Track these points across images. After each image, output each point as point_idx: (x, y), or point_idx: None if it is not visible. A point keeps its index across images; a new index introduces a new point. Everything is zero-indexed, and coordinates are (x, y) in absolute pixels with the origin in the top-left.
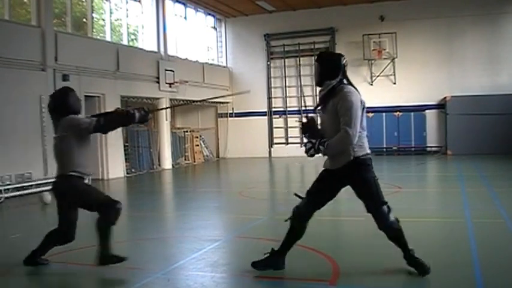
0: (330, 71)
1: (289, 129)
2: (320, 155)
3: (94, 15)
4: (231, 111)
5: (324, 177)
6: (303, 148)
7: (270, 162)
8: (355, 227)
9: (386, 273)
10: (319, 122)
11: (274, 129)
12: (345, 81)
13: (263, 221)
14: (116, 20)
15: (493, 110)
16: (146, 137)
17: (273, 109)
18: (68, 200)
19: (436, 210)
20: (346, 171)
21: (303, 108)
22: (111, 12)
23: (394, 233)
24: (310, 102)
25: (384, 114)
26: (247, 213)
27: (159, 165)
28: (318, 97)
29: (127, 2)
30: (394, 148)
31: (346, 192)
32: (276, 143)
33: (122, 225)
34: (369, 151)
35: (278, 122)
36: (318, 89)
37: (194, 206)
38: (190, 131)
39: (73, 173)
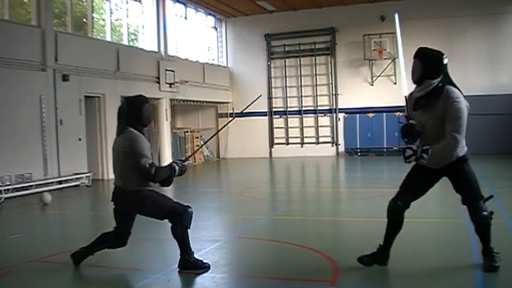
0: (433, 70)
1: (289, 130)
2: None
3: (94, 15)
4: (232, 111)
5: (420, 170)
6: (403, 154)
7: (270, 162)
8: (355, 228)
9: (387, 274)
10: (414, 122)
11: (275, 130)
12: (445, 81)
13: (264, 222)
14: (116, 20)
15: (493, 110)
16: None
17: (274, 109)
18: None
19: (437, 210)
20: (446, 167)
21: (304, 108)
22: (111, 12)
23: (482, 227)
24: (310, 103)
25: (384, 114)
26: (247, 213)
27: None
28: (409, 97)
29: (127, 2)
30: (395, 148)
31: (348, 193)
32: (277, 143)
33: None
34: (467, 148)
35: (278, 122)
36: (416, 87)
37: (194, 206)
38: (190, 131)
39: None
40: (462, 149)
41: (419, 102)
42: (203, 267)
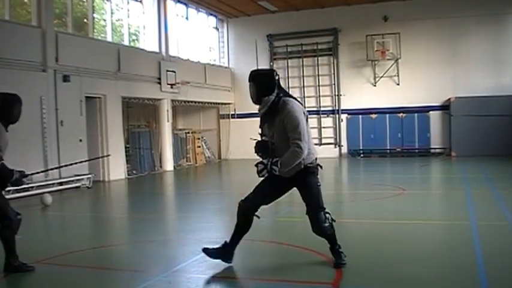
0: (266, 88)
1: None
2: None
3: (95, 15)
4: (233, 113)
5: (274, 178)
6: (256, 169)
7: None
8: (358, 230)
9: (390, 276)
10: (266, 137)
11: None
12: (281, 94)
13: (265, 223)
14: (117, 21)
15: (497, 111)
16: (147, 138)
17: None
18: None
19: (440, 212)
20: (296, 177)
21: (306, 109)
22: (112, 13)
23: (323, 235)
24: (313, 104)
25: (387, 115)
26: None
27: (161, 166)
28: (259, 114)
29: (128, 2)
30: (398, 150)
31: (350, 195)
32: None
33: (123, 227)
34: (316, 155)
35: None
36: (257, 107)
37: (196, 208)
38: (191, 132)
39: None
40: (309, 156)
41: (264, 119)
42: (27, 271)
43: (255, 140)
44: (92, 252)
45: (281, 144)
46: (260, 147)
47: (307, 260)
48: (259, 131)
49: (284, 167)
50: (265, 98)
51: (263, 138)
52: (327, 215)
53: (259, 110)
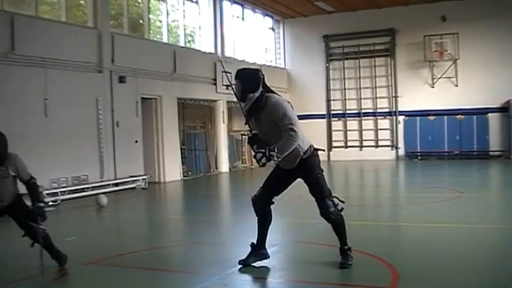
0: (251, 85)
1: (348, 133)
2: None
3: (151, 16)
4: None
5: (279, 171)
6: (255, 159)
7: (328, 165)
8: (415, 233)
9: (446, 282)
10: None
11: (333, 132)
12: (264, 92)
13: (322, 226)
14: (172, 21)
15: None
16: (203, 140)
17: (332, 112)
18: None
19: (500, 216)
20: (298, 168)
21: (363, 111)
22: (167, 14)
23: (331, 222)
24: (369, 105)
25: (445, 117)
26: (306, 217)
27: (216, 168)
28: (244, 111)
29: (184, 3)
30: (456, 152)
31: (407, 198)
32: (335, 147)
33: (179, 229)
34: (311, 143)
35: (337, 125)
36: (243, 104)
37: (251, 210)
38: (247, 134)
39: None
40: (303, 143)
41: (250, 115)
42: None
43: (246, 135)
44: (147, 254)
45: (273, 136)
46: (253, 140)
47: (363, 263)
48: (247, 127)
49: (281, 150)
50: (250, 95)
51: (253, 132)
52: (334, 199)
53: (244, 107)
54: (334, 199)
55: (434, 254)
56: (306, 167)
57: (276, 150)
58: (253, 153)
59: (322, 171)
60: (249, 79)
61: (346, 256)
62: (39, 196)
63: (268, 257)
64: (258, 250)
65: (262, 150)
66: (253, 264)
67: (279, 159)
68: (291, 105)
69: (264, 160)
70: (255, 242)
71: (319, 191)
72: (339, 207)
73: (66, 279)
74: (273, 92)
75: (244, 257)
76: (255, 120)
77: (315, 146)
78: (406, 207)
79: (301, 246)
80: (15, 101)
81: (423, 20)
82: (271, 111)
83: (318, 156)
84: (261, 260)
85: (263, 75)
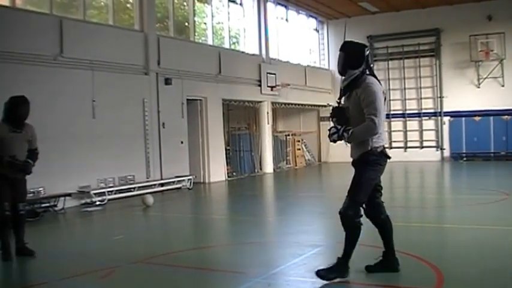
0: (353, 61)
1: (392, 133)
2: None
3: (196, 19)
4: None
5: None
6: (328, 132)
7: None
8: (461, 236)
9: (489, 284)
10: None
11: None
12: (367, 71)
13: (366, 227)
14: (217, 24)
15: None
16: (248, 141)
17: None
18: None
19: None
20: (356, 161)
21: (407, 111)
22: (212, 16)
23: (344, 226)
24: (414, 106)
25: (491, 118)
26: None
27: (261, 169)
28: (341, 87)
29: (228, 6)
30: (503, 153)
31: (453, 200)
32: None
33: (223, 229)
34: (384, 142)
35: None
36: (342, 78)
37: (295, 210)
38: (292, 135)
39: None
40: (378, 139)
41: (344, 91)
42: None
43: (330, 105)
44: (192, 253)
45: (355, 119)
46: (337, 112)
47: (408, 264)
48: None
49: (354, 137)
50: (350, 71)
51: (341, 104)
52: (360, 208)
53: (342, 82)
54: (360, 208)
55: (479, 257)
56: (361, 163)
57: (349, 134)
58: (328, 126)
59: (375, 179)
60: (352, 54)
61: (334, 268)
62: (34, 160)
63: (397, 270)
64: (389, 260)
65: (338, 127)
66: (375, 271)
67: (347, 143)
68: (385, 97)
69: (335, 137)
70: (384, 250)
71: (353, 190)
72: (357, 220)
73: (113, 277)
74: (374, 75)
75: (371, 264)
76: (347, 97)
77: (385, 151)
78: (451, 209)
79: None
80: (63, 102)
81: (468, 20)
82: (362, 94)
83: (381, 160)
84: (390, 270)
85: (369, 52)
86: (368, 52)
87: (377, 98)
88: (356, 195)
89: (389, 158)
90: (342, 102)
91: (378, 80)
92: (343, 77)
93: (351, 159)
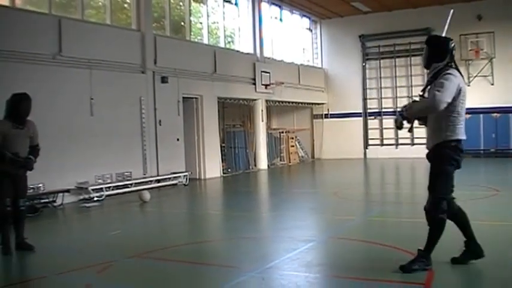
0: (438, 54)
1: (384, 131)
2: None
3: (192, 18)
4: (326, 113)
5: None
6: (395, 116)
7: (364, 163)
8: (450, 230)
9: (480, 278)
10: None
11: (369, 131)
12: (451, 64)
13: (357, 222)
14: (212, 23)
15: None
16: (242, 138)
17: (368, 110)
18: None
19: None
20: (430, 154)
21: (398, 109)
22: (208, 16)
23: (431, 225)
24: (405, 103)
25: (481, 115)
26: (341, 214)
27: (255, 165)
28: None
29: (224, 5)
30: (492, 150)
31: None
32: (371, 144)
33: (219, 224)
34: (461, 137)
35: (373, 123)
36: (426, 71)
37: (289, 206)
38: (285, 132)
39: None
40: (453, 133)
41: (428, 84)
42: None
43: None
44: (188, 248)
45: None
46: (408, 104)
47: (399, 259)
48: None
49: (411, 108)
50: (435, 64)
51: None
52: (443, 202)
53: (427, 75)
54: (443, 202)
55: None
56: (435, 157)
57: (408, 107)
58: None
59: (452, 171)
60: (436, 48)
61: (416, 261)
62: (35, 156)
63: (483, 255)
64: (471, 248)
65: (405, 114)
66: (464, 262)
67: (408, 122)
68: (461, 89)
69: (399, 118)
70: (465, 240)
71: (432, 186)
72: (441, 216)
73: (110, 272)
74: (457, 68)
75: (456, 256)
76: (429, 90)
77: (460, 146)
78: (472, 206)
79: (337, 242)
80: (62, 100)
81: (459, 19)
82: (436, 81)
83: (454, 154)
84: (475, 258)
85: (454, 46)
86: (453, 45)
87: (448, 82)
88: (436, 191)
89: (462, 152)
90: (426, 95)
91: (461, 74)
92: (428, 71)
93: (426, 152)
